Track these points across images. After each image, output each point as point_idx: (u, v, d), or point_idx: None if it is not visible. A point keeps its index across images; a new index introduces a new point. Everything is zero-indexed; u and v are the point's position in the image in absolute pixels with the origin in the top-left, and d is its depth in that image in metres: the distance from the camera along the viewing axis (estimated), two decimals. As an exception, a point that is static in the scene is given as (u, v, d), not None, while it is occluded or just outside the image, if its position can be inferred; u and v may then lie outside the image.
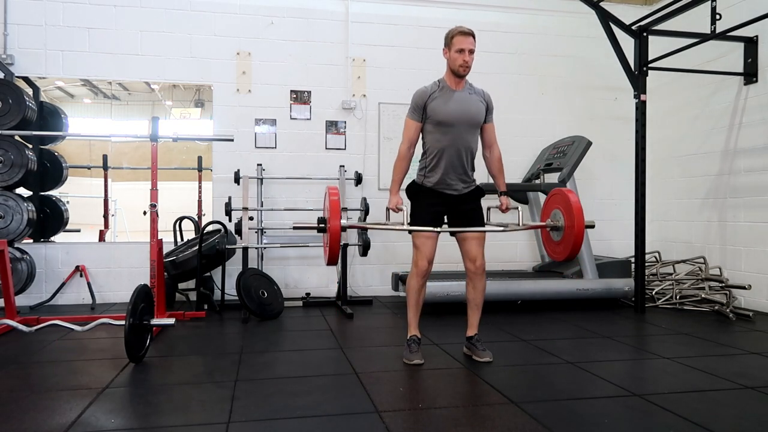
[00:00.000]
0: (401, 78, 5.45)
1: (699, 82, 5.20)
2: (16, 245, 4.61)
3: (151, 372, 2.90)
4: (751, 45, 4.65)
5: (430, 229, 2.90)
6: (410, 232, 3.00)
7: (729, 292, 4.50)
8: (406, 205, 2.97)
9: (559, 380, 2.77)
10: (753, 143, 4.67)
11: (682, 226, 5.48)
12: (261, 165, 5.17)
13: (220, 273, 4.77)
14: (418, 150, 3.10)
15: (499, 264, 5.51)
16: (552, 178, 5.12)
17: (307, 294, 5.06)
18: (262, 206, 5.14)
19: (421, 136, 3.05)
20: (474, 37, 2.92)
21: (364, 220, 5.00)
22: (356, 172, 5.27)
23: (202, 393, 2.56)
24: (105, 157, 5.36)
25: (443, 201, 3.03)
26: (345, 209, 4.93)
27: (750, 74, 4.67)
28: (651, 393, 2.52)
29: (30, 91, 4.85)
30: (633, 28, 4.64)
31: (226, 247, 4.60)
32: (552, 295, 4.69)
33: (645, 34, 4.64)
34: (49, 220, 5.00)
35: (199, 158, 5.44)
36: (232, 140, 4.70)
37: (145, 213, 3.63)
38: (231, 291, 4.77)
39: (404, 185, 3.11)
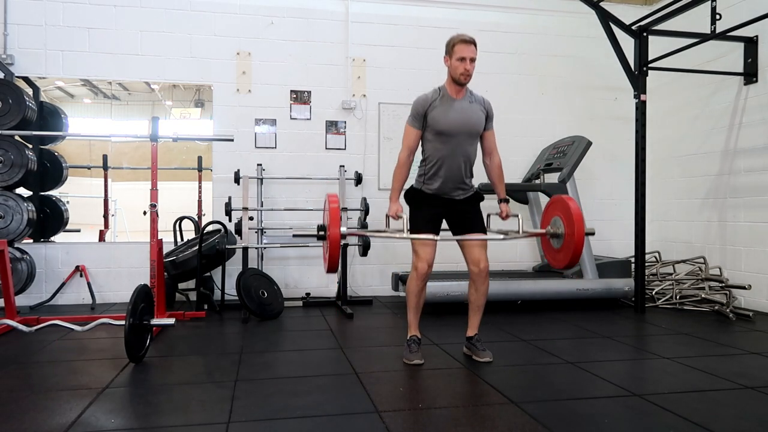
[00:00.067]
0: (401, 78, 5.45)
1: (699, 82, 5.20)
2: (16, 245, 4.61)
3: (151, 372, 2.90)
4: (751, 45, 4.65)
5: (431, 237, 2.89)
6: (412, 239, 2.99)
7: (729, 292, 4.50)
8: (406, 212, 2.97)
9: (559, 380, 2.77)
10: (753, 143, 4.67)
11: (682, 226, 5.48)
12: (261, 165, 5.18)
13: (220, 273, 4.77)
14: (418, 154, 3.09)
15: (499, 264, 5.51)
16: (552, 178, 5.12)
17: (307, 294, 5.06)
18: (262, 206, 5.14)
19: (420, 143, 3.05)
20: (475, 45, 2.91)
21: (364, 220, 5.01)
22: (356, 172, 5.27)
23: (202, 393, 2.56)
24: (105, 157, 5.36)
25: (442, 205, 3.04)
26: (345, 209, 4.94)
27: (750, 74, 4.67)
28: (651, 393, 2.52)
29: (30, 91, 4.86)
30: (633, 28, 4.64)
31: (226, 247, 4.60)
32: (552, 295, 4.69)
33: (645, 34, 4.64)
34: (49, 220, 5.00)
35: (199, 158, 5.44)
36: (232, 140, 4.70)
37: (145, 213, 3.63)
38: (231, 291, 4.77)
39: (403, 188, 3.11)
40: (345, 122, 5.42)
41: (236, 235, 4.80)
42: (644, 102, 4.57)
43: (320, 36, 5.37)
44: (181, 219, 5.10)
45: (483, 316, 3.14)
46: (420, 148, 3.06)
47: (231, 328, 3.98)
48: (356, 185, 5.28)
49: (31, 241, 4.90)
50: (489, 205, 3.22)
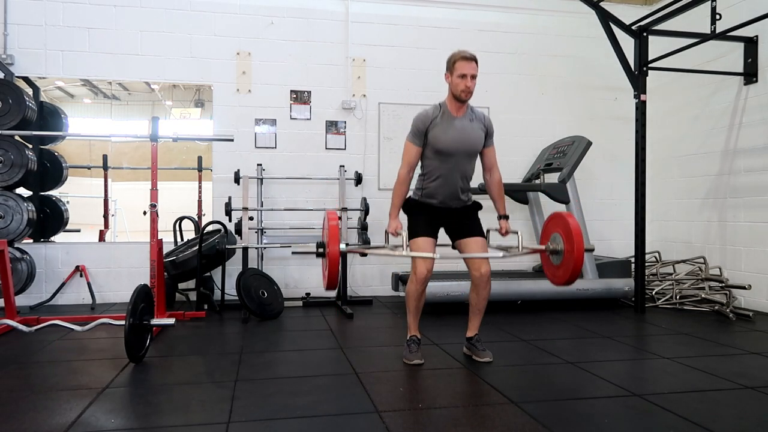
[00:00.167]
0: (401, 78, 5.45)
1: (699, 82, 5.20)
2: (16, 245, 4.61)
3: (151, 372, 2.90)
4: (751, 45, 4.65)
5: (429, 255, 2.88)
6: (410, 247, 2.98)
7: (729, 292, 4.50)
8: (404, 224, 2.98)
9: (559, 380, 2.77)
10: (753, 143, 4.67)
11: (682, 226, 5.48)
12: (261, 165, 5.18)
13: (220, 273, 4.77)
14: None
15: (500, 264, 5.50)
16: (552, 178, 5.12)
17: (307, 294, 5.06)
18: (262, 206, 5.14)
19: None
20: (476, 62, 2.90)
21: (364, 220, 5.01)
22: (356, 172, 5.27)
23: (202, 393, 2.56)
24: (105, 157, 5.36)
25: (439, 213, 3.06)
26: (345, 209, 4.95)
27: (750, 74, 4.67)
28: (651, 393, 2.52)
29: (30, 91, 4.86)
30: (633, 28, 4.64)
31: (226, 247, 4.60)
32: (552, 295, 4.69)
33: (645, 34, 4.64)
34: (49, 220, 5.00)
35: (199, 158, 5.44)
36: (232, 140, 4.70)
37: (145, 213, 3.63)
38: (231, 291, 4.77)
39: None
40: (345, 122, 5.42)
41: (236, 235, 4.80)
42: (644, 102, 4.57)
43: (320, 36, 5.37)
44: (181, 219, 5.10)
45: (483, 317, 3.14)
46: (419, 162, 3.07)
47: (231, 328, 3.99)
48: (356, 185, 5.28)
49: (31, 241, 4.90)
50: (486, 206, 3.22)
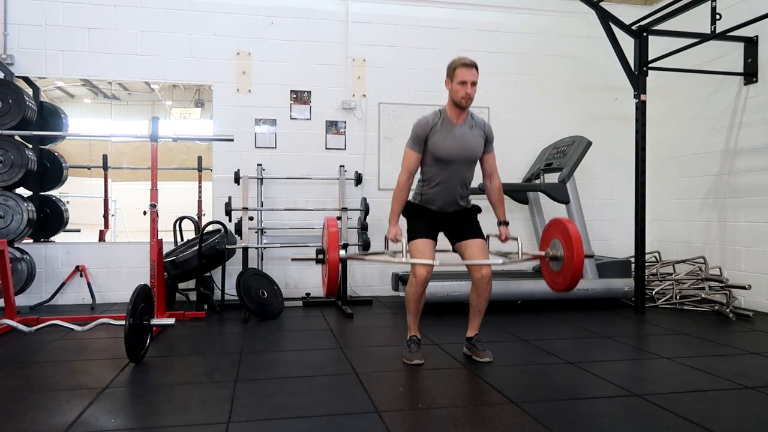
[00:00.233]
0: (401, 78, 5.45)
1: (699, 82, 5.20)
2: (16, 245, 4.61)
3: (151, 372, 2.90)
4: (751, 45, 4.65)
5: (429, 262, 2.88)
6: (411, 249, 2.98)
7: (729, 292, 4.50)
8: (404, 229, 2.98)
9: (559, 380, 2.77)
10: (753, 143, 4.67)
11: (682, 226, 5.48)
12: (261, 165, 5.18)
13: (220, 273, 4.77)
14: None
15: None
16: (552, 178, 5.12)
17: (307, 294, 5.06)
18: (262, 206, 5.14)
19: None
20: (477, 68, 2.90)
21: (364, 220, 5.01)
22: (356, 172, 5.27)
23: (202, 393, 2.56)
24: (105, 157, 5.36)
25: (439, 217, 3.07)
26: (345, 209, 4.95)
27: (750, 74, 4.67)
28: (651, 393, 2.52)
29: (30, 91, 4.86)
30: (633, 28, 4.64)
31: (226, 247, 4.60)
32: (552, 296, 4.65)
33: (645, 34, 4.64)
34: (49, 220, 5.00)
35: (199, 158, 5.44)
36: (232, 140, 4.70)
37: (145, 213, 3.64)
38: (231, 291, 4.77)
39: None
40: (345, 122, 5.42)
41: (236, 235, 4.80)
42: (644, 102, 4.57)
43: (320, 36, 5.37)
44: (181, 219, 5.10)
45: (483, 317, 3.14)
46: (419, 168, 3.07)
47: (231, 328, 3.98)
48: (356, 185, 5.28)
49: (31, 241, 4.90)
50: (486, 208, 3.22)
